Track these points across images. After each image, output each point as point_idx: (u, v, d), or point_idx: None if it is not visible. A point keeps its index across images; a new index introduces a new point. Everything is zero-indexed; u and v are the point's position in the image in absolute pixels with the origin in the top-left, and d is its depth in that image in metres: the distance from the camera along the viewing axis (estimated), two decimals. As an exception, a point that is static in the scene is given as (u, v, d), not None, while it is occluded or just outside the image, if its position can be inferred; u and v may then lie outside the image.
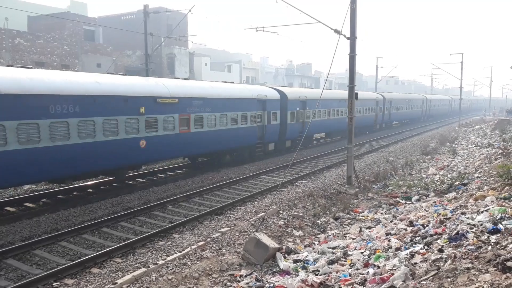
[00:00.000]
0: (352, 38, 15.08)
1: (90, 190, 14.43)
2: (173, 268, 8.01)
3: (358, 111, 32.01)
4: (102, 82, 12.97)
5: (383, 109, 38.97)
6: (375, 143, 29.24)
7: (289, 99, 23.02)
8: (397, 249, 8.15)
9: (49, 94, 11.12)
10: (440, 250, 7.25)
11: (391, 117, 42.04)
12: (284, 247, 9.33)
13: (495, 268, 5.69)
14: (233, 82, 21.97)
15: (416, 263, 7.01)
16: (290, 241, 10.03)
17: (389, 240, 8.96)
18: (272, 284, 7.53)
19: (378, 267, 7.31)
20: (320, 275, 7.68)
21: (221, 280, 7.94)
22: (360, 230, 10.72)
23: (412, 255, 7.45)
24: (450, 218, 9.34)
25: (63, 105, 11.37)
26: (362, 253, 8.59)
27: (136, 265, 8.10)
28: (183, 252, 8.71)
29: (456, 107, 59.10)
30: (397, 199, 14.02)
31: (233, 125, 18.58)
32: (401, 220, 10.84)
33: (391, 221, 11.11)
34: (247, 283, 7.68)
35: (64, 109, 11.41)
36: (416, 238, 8.56)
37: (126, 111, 13.27)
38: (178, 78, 19.38)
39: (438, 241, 7.83)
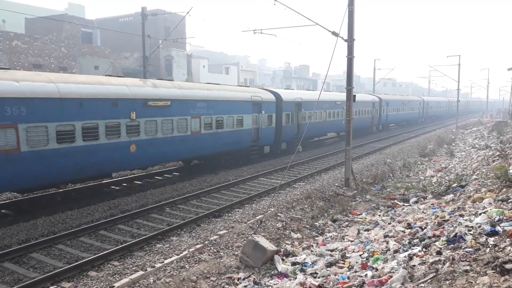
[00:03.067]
0: (350, 40, 15.11)
1: (88, 193, 14.37)
2: (170, 271, 7.98)
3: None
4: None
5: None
6: (373, 145, 29.27)
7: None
8: (395, 251, 8.14)
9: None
10: (439, 253, 7.24)
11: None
12: (282, 250, 9.30)
13: (494, 271, 5.68)
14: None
15: (414, 265, 7.00)
16: (288, 244, 10.00)
17: (387, 242, 8.95)
18: (270, 287, 7.51)
19: (377, 269, 7.30)
20: (318, 277, 7.66)
21: (219, 283, 7.91)
22: (358, 232, 10.71)
23: (410, 258, 7.43)
24: (448, 220, 9.33)
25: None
26: (360, 255, 8.57)
27: (133, 268, 8.07)
28: (181, 255, 8.68)
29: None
30: (395, 201, 14.02)
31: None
32: (399, 222, 10.83)
33: (389, 223, 11.10)
34: (245, 286, 7.66)
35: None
36: (414, 240, 8.54)
37: None
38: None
39: (436, 243, 7.81)
